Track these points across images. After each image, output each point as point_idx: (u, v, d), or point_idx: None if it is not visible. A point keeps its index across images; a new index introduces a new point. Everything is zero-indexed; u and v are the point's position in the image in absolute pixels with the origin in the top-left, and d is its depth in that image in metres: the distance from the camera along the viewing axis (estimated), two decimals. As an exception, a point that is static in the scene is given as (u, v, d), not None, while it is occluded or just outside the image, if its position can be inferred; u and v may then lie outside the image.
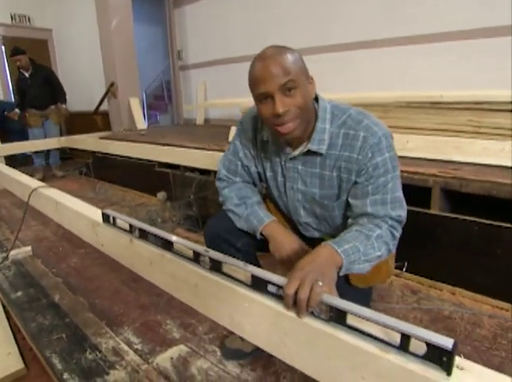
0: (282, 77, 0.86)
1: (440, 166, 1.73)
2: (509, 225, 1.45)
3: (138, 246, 1.11)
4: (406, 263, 1.64)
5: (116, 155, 3.46)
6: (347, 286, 1.17)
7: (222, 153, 2.46)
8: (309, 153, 0.99)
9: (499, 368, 1.21)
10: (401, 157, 1.01)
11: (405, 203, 0.97)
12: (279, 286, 0.74)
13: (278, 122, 0.90)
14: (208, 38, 4.62)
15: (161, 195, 3.10)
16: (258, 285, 0.78)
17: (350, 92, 2.67)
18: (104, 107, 4.73)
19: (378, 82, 3.05)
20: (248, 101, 3.01)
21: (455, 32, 2.70)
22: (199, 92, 4.85)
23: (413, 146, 1.95)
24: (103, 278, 1.88)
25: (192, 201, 2.68)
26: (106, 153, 3.60)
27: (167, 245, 1.01)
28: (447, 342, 0.56)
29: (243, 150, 1.17)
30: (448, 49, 2.76)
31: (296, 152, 1.02)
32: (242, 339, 1.28)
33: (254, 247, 1.24)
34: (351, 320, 0.66)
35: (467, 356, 1.26)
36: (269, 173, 1.14)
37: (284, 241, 1.04)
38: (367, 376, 0.63)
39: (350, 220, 0.99)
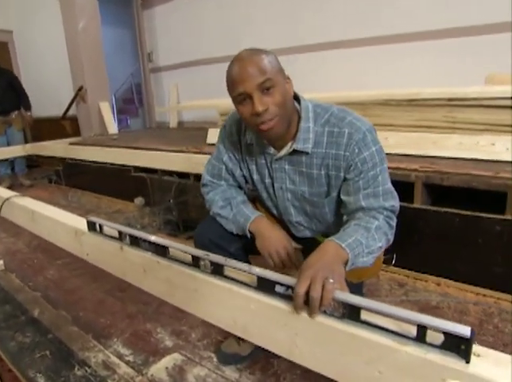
0: (259, 77, 0.87)
1: (420, 161, 1.78)
2: (488, 215, 1.52)
3: (130, 253, 1.07)
4: (395, 256, 1.67)
5: (88, 161, 3.33)
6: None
7: (200, 156, 2.48)
8: (295, 152, 0.99)
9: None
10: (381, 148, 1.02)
11: (395, 193, 0.99)
12: (288, 287, 0.73)
13: (258, 121, 0.90)
14: (180, 40, 4.55)
15: (139, 200, 3.02)
16: (265, 286, 0.77)
17: (328, 92, 2.71)
18: (73, 111, 4.55)
19: (353, 81, 3.11)
20: (225, 102, 3.00)
21: (429, 31, 2.80)
22: (171, 95, 4.77)
23: (392, 142, 2.00)
24: (85, 289, 1.79)
25: (171, 206, 2.62)
26: (78, 160, 3.45)
27: (162, 251, 0.98)
28: (465, 330, 0.56)
29: (227, 154, 1.16)
30: (424, 48, 2.86)
31: (282, 152, 1.02)
32: (238, 342, 1.26)
33: (247, 251, 1.22)
34: (364, 315, 0.66)
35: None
36: (255, 176, 1.13)
37: (271, 236, 1.02)
38: (384, 370, 0.63)
39: (345, 217, 0.99)
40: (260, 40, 3.72)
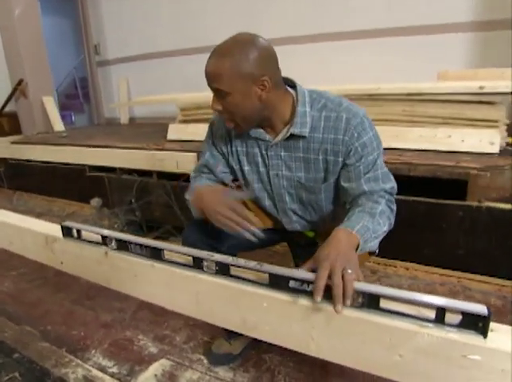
0: (213, 82, 0.91)
1: (387, 153, 1.87)
2: (451, 202, 1.64)
3: (117, 259, 1.00)
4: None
5: (35, 161, 3.06)
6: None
7: (163, 153, 2.39)
8: (292, 137, 0.99)
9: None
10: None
11: (392, 176, 1.01)
12: (303, 281, 0.73)
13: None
14: (130, 31, 4.32)
15: (95, 202, 2.83)
16: (278, 283, 0.76)
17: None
18: (11, 107, 4.13)
19: (312, 78, 3.17)
20: (185, 97, 2.92)
21: (388, 29, 2.95)
22: (121, 89, 4.53)
23: (357, 135, 2.07)
24: (49, 300, 1.66)
25: (133, 206, 2.50)
26: (22, 160, 3.16)
27: (156, 253, 0.93)
28: (482, 309, 0.60)
29: (210, 151, 1.16)
30: (383, 45, 3.00)
31: (279, 137, 1.01)
32: (229, 342, 1.24)
33: (237, 247, 1.20)
34: (382, 303, 0.68)
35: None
36: (246, 167, 1.11)
37: (207, 197, 0.98)
38: (405, 353, 0.65)
39: (347, 205, 1.00)
40: (214, 33, 3.65)
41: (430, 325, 0.64)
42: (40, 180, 3.12)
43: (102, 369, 1.23)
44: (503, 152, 1.85)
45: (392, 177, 1.00)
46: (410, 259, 1.78)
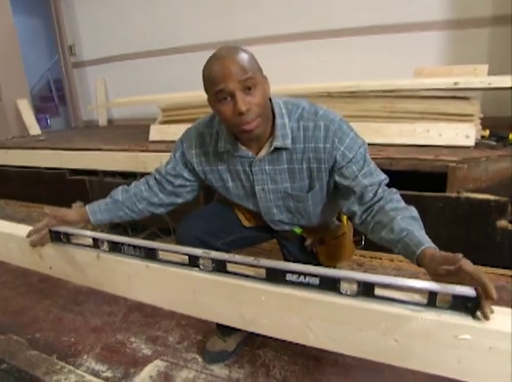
0: (242, 75, 0.85)
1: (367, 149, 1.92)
2: (431, 194, 1.70)
3: (110, 261, 0.99)
4: (364, 237, 1.79)
5: (11, 166, 2.97)
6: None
7: (147, 154, 2.37)
8: (275, 150, 0.99)
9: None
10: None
11: None
12: (300, 274, 0.75)
13: (241, 121, 0.88)
14: (106, 32, 4.22)
15: (77, 206, 2.78)
16: (275, 276, 0.77)
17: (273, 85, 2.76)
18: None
19: (289, 76, 3.20)
20: (167, 98, 2.90)
21: (365, 27, 3.01)
22: (98, 91, 4.44)
23: (339, 132, 2.12)
24: (36, 307, 1.62)
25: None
26: (-2, 165, 3.06)
27: (151, 254, 0.93)
28: (471, 291, 0.64)
29: (174, 164, 1.13)
30: (360, 44, 3.06)
31: (263, 153, 1.01)
32: (223, 339, 1.25)
33: (231, 244, 1.21)
34: (377, 291, 0.71)
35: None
36: (231, 183, 1.10)
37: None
38: (400, 337, 0.69)
39: (357, 208, 0.98)
40: (194, 34, 3.64)
41: (423, 309, 0.67)
42: (17, 185, 3.03)
43: (96, 374, 1.22)
44: (478, 145, 1.93)
45: (380, 171, 1.02)
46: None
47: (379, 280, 0.69)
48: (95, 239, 1.01)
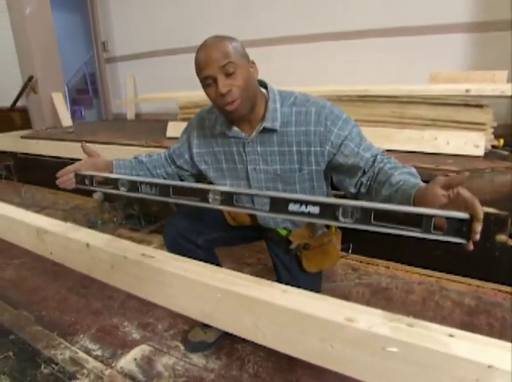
0: (222, 60, 0.95)
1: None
2: (430, 203, 1.68)
3: (98, 251, 1.09)
4: (351, 245, 1.81)
5: (42, 155, 3.20)
6: (299, 271, 1.28)
7: (161, 150, 2.47)
8: (266, 132, 1.07)
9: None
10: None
11: None
12: (302, 202, 0.75)
13: (223, 102, 0.98)
14: (136, 29, 4.41)
15: (97, 195, 2.94)
16: (278, 206, 0.78)
17: (284, 86, 2.78)
18: (22, 102, 4.29)
19: (307, 77, 3.21)
20: (184, 95, 3.00)
21: (384, 29, 2.96)
22: (128, 86, 4.64)
23: (346, 136, 2.12)
24: (47, 288, 1.77)
25: (132, 201, 2.61)
26: (31, 154, 3.30)
27: (165, 191, 0.95)
28: (464, 215, 0.64)
29: (179, 144, 1.26)
30: (378, 45, 3.02)
31: (254, 133, 1.09)
32: (204, 331, 1.33)
33: (214, 242, 1.28)
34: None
35: (404, 320, 1.45)
36: (225, 165, 1.19)
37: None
38: (335, 344, 0.72)
39: (363, 178, 1.01)
40: (217, 32, 3.70)
41: (418, 232, 0.66)
42: (46, 174, 3.25)
43: (88, 352, 1.33)
44: (488, 155, 1.88)
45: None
46: (391, 258, 1.83)
47: (377, 206, 0.69)
48: (115, 181, 1.03)
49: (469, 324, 1.43)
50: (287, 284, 1.32)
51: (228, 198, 0.84)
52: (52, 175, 3.69)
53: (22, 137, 3.45)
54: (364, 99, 2.18)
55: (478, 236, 0.63)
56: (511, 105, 2.34)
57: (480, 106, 1.93)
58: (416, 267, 1.77)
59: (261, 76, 1.10)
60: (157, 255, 1.00)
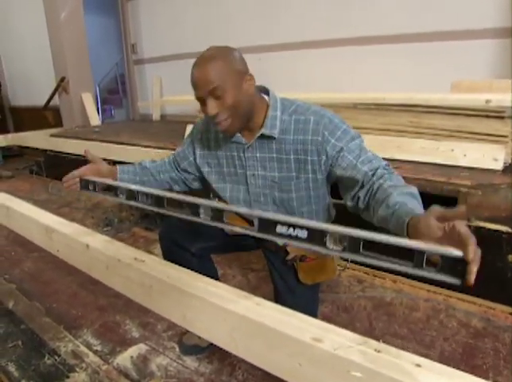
0: (208, 84, 0.96)
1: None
2: (440, 218, 1.62)
3: (95, 252, 1.14)
4: (348, 261, 1.78)
5: (69, 153, 3.36)
6: (296, 283, 1.27)
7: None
8: (264, 138, 1.08)
9: (430, 345, 1.38)
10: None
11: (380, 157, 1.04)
12: (290, 225, 0.74)
13: (214, 121, 1.01)
14: (164, 32, 4.54)
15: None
16: (266, 228, 0.77)
17: (299, 92, 2.77)
18: (55, 102, 4.53)
19: (327, 82, 3.18)
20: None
21: (403, 35, 2.89)
22: (154, 88, 4.78)
23: (359, 145, 2.08)
24: (60, 281, 1.86)
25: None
26: (59, 152, 3.47)
27: (160, 202, 0.99)
28: (459, 253, 0.58)
29: (184, 149, 1.27)
30: (396, 51, 2.95)
31: (253, 139, 1.10)
32: (198, 336, 1.35)
33: (209, 250, 1.30)
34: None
35: (403, 337, 1.41)
36: (225, 169, 1.21)
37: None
38: (303, 362, 0.72)
39: (361, 193, 0.98)
40: (237, 36, 3.76)
41: (409, 270, 0.63)
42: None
43: (89, 346, 1.39)
44: (508, 169, 1.79)
45: (381, 158, 1.02)
46: (398, 272, 1.77)
47: (366, 235, 0.65)
48: (115, 188, 1.10)
49: (473, 347, 1.37)
50: (283, 294, 1.34)
51: (218, 214, 0.85)
52: (77, 172, 3.71)
53: (52, 135, 3.64)
54: (380, 108, 2.13)
55: (473, 278, 0.59)
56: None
57: (501, 117, 1.85)
58: (424, 282, 1.71)
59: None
60: (147, 260, 1.04)
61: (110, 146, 3.02)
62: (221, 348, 1.33)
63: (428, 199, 1.65)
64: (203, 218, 0.87)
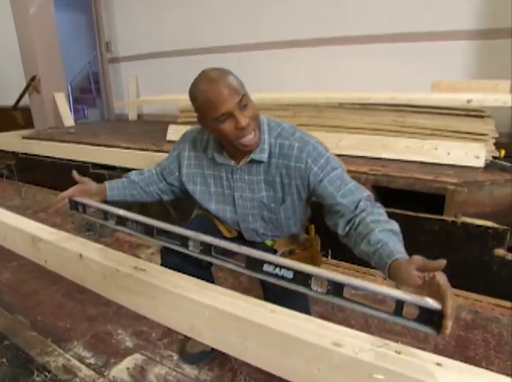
0: (237, 96, 0.93)
1: (370, 164, 1.91)
2: (427, 216, 1.67)
3: (90, 261, 1.09)
4: (330, 251, 1.83)
5: (43, 156, 3.21)
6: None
7: (161, 154, 2.48)
8: (253, 162, 1.08)
9: (424, 340, 1.41)
10: (334, 155, 1.09)
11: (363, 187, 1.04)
12: (276, 265, 0.77)
13: (242, 134, 0.97)
14: (139, 30, 4.42)
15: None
16: (254, 266, 0.81)
17: (284, 92, 2.77)
18: (25, 102, 4.31)
19: (311, 81, 3.20)
20: (185, 98, 2.98)
21: (387, 35, 2.94)
22: (130, 87, 4.65)
23: (345, 144, 2.11)
24: (43, 292, 1.77)
25: (131, 204, 2.61)
26: (32, 155, 3.31)
27: (149, 231, 1.00)
28: (436, 305, 0.62)
29: (169, 162, 1.24)
30: (382, 51, 3.00)
31: (242, 162, 1.09)
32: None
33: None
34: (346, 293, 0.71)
35: (398, 333, 1.44)
36: (213, 189, 1.19)
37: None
38: (322, 367, 0.72)
39: (340, 221, 0.99)
40: (219, 35, 3.71)
41: (390, 318, 0.68)
42: (47, 174, 3.27)
43: (81, 359, 1.33)
44: (489, 166, 1.86)
45: (364, 188, 1.03)
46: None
47: (349, 281, 0.70)
48: (105, 212, 1.11)
49: (464, 339, 1.41)
50: (274, 291, 1.34)
51: (207, 248, 0.88)
52: (53, 176, 3.71)
53: (24, 137, 3.47)
54: (365, 107, 2.17)
55: (448, 331, 0.62)
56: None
57: (481, 116, 1.92)
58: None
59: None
60: (148, 269, 1.00)
61: (86, 148, 2.91)
62: (222, 354, 1.34)
63: (416, 196, 1.71)
64: (192, 250, 0.90)
